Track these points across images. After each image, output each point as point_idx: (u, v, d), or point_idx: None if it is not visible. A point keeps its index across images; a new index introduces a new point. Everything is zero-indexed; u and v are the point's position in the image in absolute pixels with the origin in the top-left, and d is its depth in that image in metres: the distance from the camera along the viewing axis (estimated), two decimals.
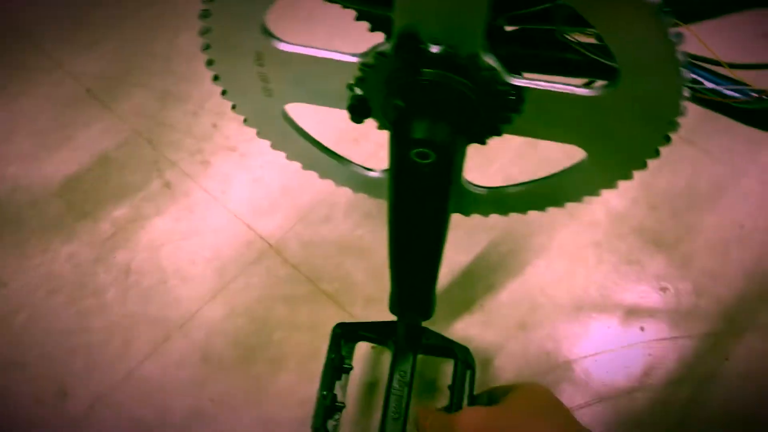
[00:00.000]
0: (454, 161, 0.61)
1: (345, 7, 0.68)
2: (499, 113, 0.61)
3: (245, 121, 0.72)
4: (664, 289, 0.99)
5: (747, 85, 0.66)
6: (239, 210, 1.08)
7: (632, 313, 0.97)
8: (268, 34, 0.60)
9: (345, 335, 0.86)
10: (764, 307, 0.96)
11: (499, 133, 0.64)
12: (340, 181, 0.79)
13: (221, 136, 1.16)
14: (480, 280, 1.01)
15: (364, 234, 1.05)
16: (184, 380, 0.93)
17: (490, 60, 0.57)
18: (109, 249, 1.04)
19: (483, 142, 0.65)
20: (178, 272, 1.02)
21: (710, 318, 0.96)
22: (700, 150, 1.11)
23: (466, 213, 0.78)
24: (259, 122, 0.72)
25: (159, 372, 0.94)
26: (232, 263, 1.02)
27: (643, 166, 0.64)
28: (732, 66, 0.67)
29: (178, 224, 1.07)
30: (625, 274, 1.00)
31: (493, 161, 1.12)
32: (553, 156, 1.07)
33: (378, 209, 1.05)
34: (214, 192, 1.10)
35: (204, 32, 0.60)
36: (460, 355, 0.85)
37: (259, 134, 0.73)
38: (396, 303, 0.84)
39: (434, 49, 0.56)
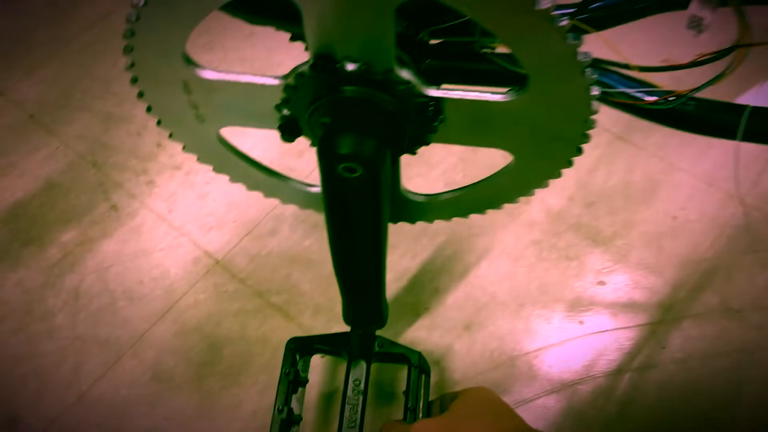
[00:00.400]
0: (383, 173, 0.63)
1: (277, 29, 0.70)
2: (423, 124, 0.63)
3: (184, 147, 0.73)
4: (602, 283, 1.02)
5: (656, 86, 0.70)
6: (186, 228, 1.09)
7: (572, 307, 1.00)
8: (191, 62, 0.61)
9: (299, 349, 0.88)
10: (697, 296, 1.00)
11: (426, 143, 0.66)
12: (286, 200, 0.80)
13: (166, 155, 1.17)
14: (425, 283, 1.03)
15: (310, 245, 1.07)
16: (137, 400, 0.94)
17: (405, 74, 0.59)
18: (57, 273, 1.05)
19: (413, 152, 0.68)
20: (126, 293, 1.03)
21: (647, 309, 1.00)
22: (635, 146, 1.15)
23: (411, 221, 0.80)
24: (197, 148, 0.73)
25: (111, 393, 0.95)
26: (180, 281, 1.03)
27: (568, 164, 0.67)
28: (642, 69, 0.70)
29: (126, 245, 1.07)
30: (564, 270, 1.03)
31: (435, 167, 1.15)
32: (495, 161, 1.11)
33: (324, 220, 1.07)
34: (161, 211, 1.11)
35: (130, 66, 0.62)
36: (413, 360, 0.87)
37: (200, 159, 0.75)
38: (348, 313, 0.86)
39: (350, 66, 0.58)
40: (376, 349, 0.88)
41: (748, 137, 0.65)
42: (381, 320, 0.87)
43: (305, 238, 1.08)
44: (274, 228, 1.09)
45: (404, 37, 0.64)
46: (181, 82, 0.63)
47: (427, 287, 1.03)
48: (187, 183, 1.14)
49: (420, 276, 1.04)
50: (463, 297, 1.02)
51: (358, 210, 0.68)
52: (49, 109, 1.23)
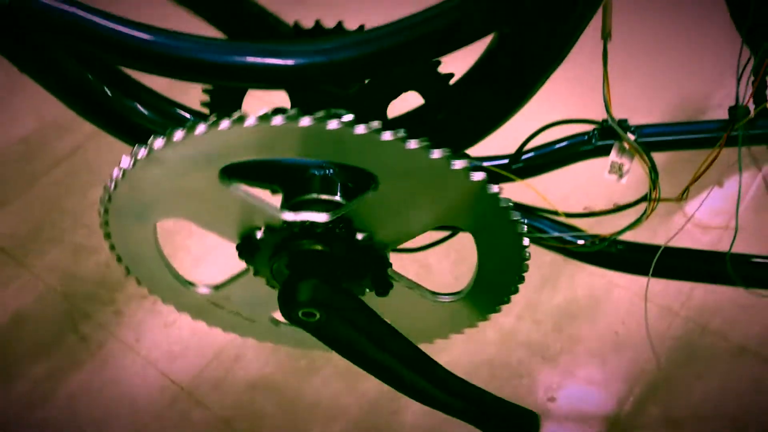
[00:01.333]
0: (342, 298, 0.66)
1: None
2: (349, 240, 0.65)
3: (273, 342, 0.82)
4: (552, 399, 1.08)
5: (582, 231, 0.77)
6: (153, 356, 1.13)
7: None
8: (188, 284, 0.69)
9: None
10: (641, 408, 1.06)
11: (383, 252, 0.68)
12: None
13: (133, 284, 1.21)
14: (384, 405, 1.08)
15: (274, 368, 1.11)
16: None
17: (290, 216, 0.63)
18: (25, 406, 1.07)
19: (388, 264, 0.69)
20: (94, 423, 1.05)
21: (595, 423, 1.05)
22: (575, 265, 1.22)
23: (457, 330, 0.82)
24: (273, 339, 0.81)
25: None
26: (148, 411, 1.06)
27: (507, 301, 0.73)
28: (568, 215, 0.78)
29: (95, 376, 1.11)
30: (516, 388, 1.09)
31: None
32: (445, 279, 1.18)
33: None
34: (128, 340, 1.15)
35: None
36: None
37: (280, 344, 0.83)
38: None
39: (258, 235, 0.65)
40: None
41: (659, 274, 0.73)
42: (529, 425, 0.84)
43: (268, 362, 1.12)
44: (239, 354, 1.13)
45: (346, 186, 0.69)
46: (207, 303, 0.71)
47: (385, 410, 1.07)
48: (154, 311, 1.19)
49: (378, 398, 1.08)
50: (421, 419, 1.06)
51: (357, 342, 0.69)
52: (21, 243, 1.28)
